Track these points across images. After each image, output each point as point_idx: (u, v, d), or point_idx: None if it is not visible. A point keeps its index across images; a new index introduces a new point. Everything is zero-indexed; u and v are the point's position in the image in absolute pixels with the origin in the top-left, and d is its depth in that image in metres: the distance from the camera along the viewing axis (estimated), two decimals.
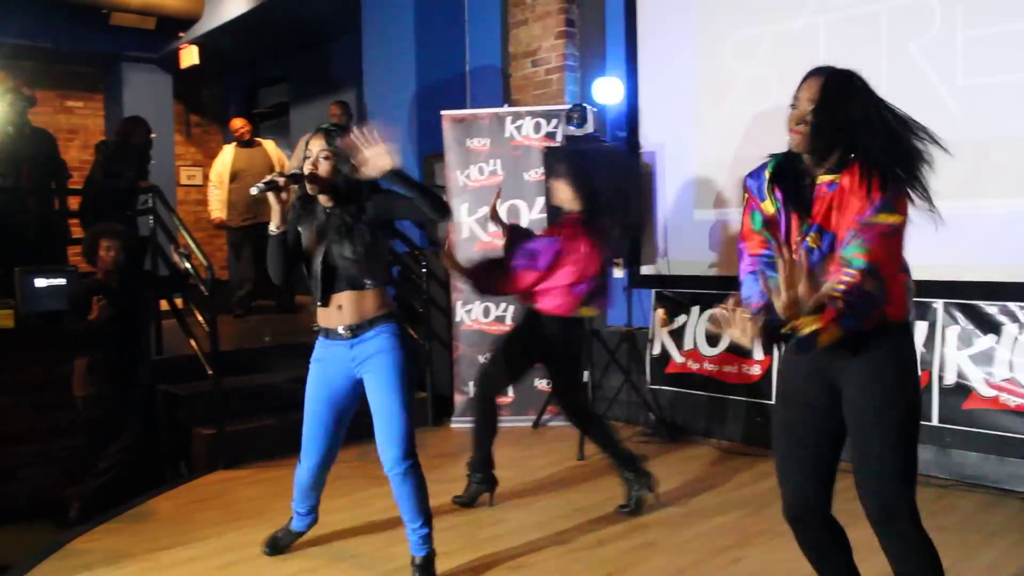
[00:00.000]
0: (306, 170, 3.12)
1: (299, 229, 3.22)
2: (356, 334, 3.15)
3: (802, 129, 2.21)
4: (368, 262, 3.13)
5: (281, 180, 3.03)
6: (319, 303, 3.18)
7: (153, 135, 6.84)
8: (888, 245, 2.13)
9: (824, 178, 2.24)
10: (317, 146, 3.13)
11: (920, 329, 4.35)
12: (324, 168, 3.11)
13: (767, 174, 2.33)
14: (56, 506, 4.75)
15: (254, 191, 3.01)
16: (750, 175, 2.38)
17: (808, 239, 2.24)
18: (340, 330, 3.16)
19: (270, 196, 3.04)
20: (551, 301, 3.93)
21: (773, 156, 2.35)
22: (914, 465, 2.22)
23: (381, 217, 3.17)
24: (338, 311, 3.16)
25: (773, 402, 4.92)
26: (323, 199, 3.17)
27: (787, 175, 2.31)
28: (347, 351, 3.17)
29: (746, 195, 2.36)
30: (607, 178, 4.05)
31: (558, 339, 3.99)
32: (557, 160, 4.61)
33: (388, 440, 3.14)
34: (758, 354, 5.05)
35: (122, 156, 6.51)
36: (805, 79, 2.26)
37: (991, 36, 4.16)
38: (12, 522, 5.04)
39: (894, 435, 2.20)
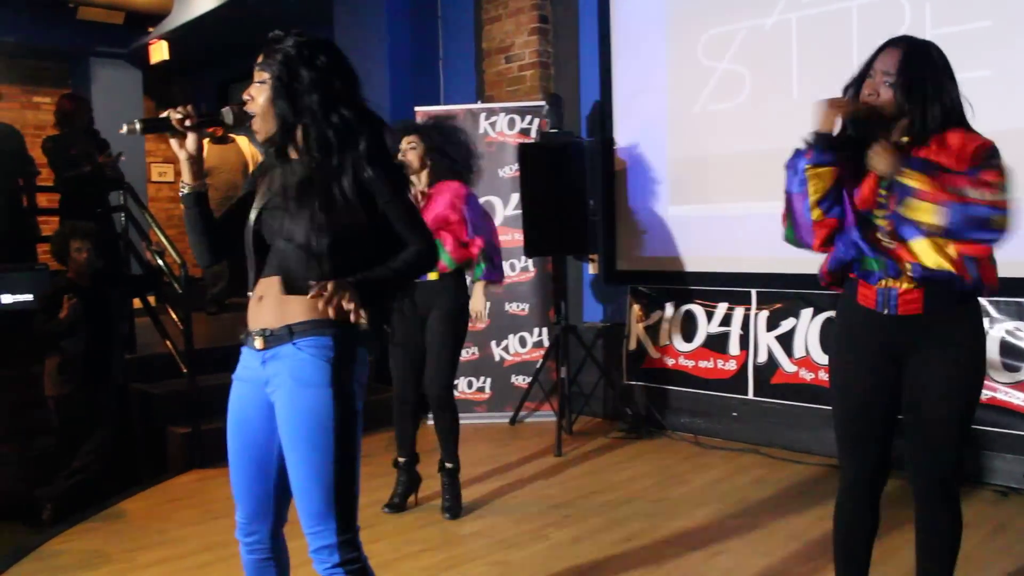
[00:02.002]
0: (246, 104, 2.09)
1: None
2: (269, 344, 2.03)
3: (875, 95, 2.25)
4: (325, 248, 1.98)
5: (178, 115, 2.02)
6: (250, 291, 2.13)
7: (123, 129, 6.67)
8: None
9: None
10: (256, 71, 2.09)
11: None
12: (260, 100, 2.06)
13: None
14: (28, 507, 4.70)
15: (124, 129, 2.01)
16: None
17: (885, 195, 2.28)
18: (254, 336, 2.06)
19: (173, 142, 2.04)
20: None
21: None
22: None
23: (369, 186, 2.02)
24: (258, 303, 2.08)
25: (751, 396, 4.99)
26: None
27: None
28: (260, 368, 2.06)
29: None
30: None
31: None
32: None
33: (307, 518, 2.00)
34: (733, 349, 5.10)
35: (72, 142, 6.24)
36: (883, 48, 2.28)
37: (958, 34, 4.22)
38: None
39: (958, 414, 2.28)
